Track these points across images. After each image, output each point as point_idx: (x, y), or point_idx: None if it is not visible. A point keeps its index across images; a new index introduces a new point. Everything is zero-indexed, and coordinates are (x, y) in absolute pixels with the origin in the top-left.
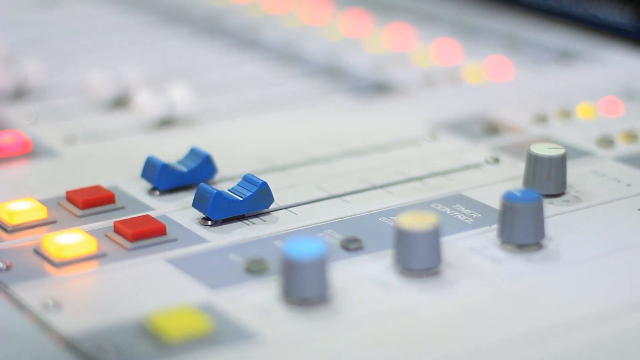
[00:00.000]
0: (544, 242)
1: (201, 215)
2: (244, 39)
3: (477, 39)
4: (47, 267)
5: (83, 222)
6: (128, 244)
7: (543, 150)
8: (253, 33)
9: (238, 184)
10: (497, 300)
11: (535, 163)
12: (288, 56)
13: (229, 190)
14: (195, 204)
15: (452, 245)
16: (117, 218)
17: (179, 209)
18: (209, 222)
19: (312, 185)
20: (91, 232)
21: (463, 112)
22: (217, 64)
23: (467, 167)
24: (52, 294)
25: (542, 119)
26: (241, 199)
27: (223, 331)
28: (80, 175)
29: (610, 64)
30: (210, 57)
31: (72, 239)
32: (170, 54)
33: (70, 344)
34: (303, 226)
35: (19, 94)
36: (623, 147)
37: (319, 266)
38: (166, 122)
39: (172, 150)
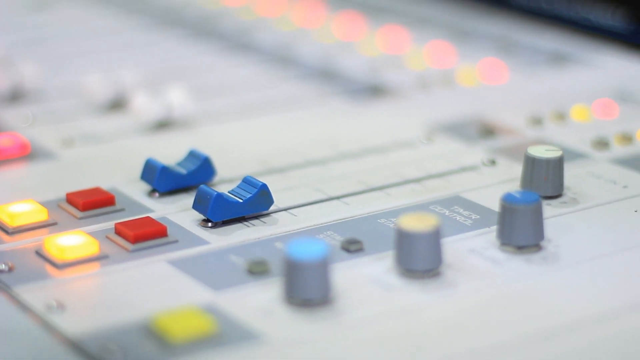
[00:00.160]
0: (543, 243)
1: (201, 217)
2: (237, 42)
3: (470, 41)
4: (49, 268)
5: (83, 224)
6: (129, 246)
7: (540, 152)
8: (246, 36)
9: (238, 186)
10: (498, 301)
11: (533, 165)
12: (282, 59)
13: (229, 192)
14: (195, 206)
15: (452, 247)
16: (117, 220)
17: (178, 211)
18: (209, 224)
19: (311, 187)
20: (92, 234)
21: (458, 115)
22: (211, 66)
23: (463, 169)
24: (56, 295)
25: (537, 121)
26: (241, 200)
27: (227, 332)
28: (79, 178)
29: (602, 67)
30: (205, 60)
31: (74, 241)
32: (165, 57)
33: (76, 345)
34: (303, 228)
35: (15, 96)
36: (618, 149)
37: (322, 267)
38: (163, 125)
39: (169, 152)
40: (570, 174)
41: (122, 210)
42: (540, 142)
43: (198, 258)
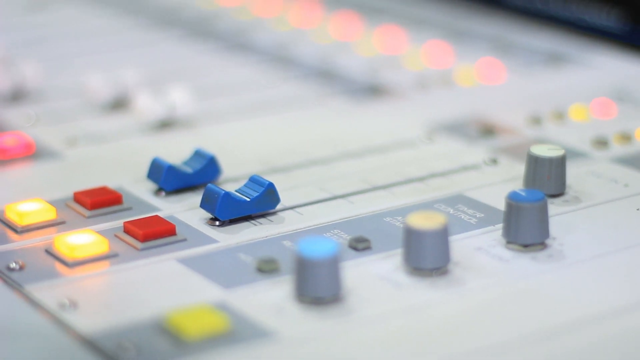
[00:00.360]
0: (548, 241)
1: (208, 215)
2: (235, 42)
3: (466, 42)
4: (60, 267)
5: (91, 222)
6: (139, 244)
7: (543, 151)
8: (244, 36)
9: (245, 185)
10: (506, 298)
11: (535, 164)
12: (281, 59)
13: (235, 191)
14: (203, 205)
15: (459, 245)
16: (124, 219)
17: (185, 210)
18: (217, 223)
19: (315, 186)
20: (100, 233)
21: (457, 114)
22: (210, 66)
23: (465, 168)
24: (67, 293)
25: (536, 120)
26: (248, 199)
27: (239, 330)
28: (84, 177)
29: (598, 67)
30: (203, 60)
31: (84, 239)
32: (163, 57)
33: (90, 343)
34: (309, 226)
35: (16, 96)
36: (618, 148)
37: (333, 265)
38: (165, 124)
39: (172, 151)
40: (571, 173)
41: (129, 209)
42: (540, 141)
43: (207, 256)
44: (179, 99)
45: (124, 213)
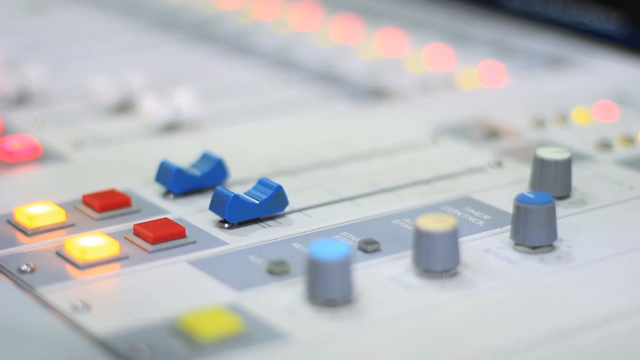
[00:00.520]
0: (556, 243)
1: (217, 218)
2: (236, 45)
3: (467, 45)
4: (71, 269)
5: (101, 225)
6: (149, 247)
7: (549, 154)
8: (244, 39)
9: (253, 188)
10: (515, 300)
11: (542, 166)
12: (283, 62)
13: (244, 193)
14: (212, 207)
15: (467, 247)
16: (134, 221)
17: (194, 212)
18: (226, 225)
19: (322, 188)
20: (110, 235)
21: (461, 117)
22: (212, 69)
23: (471, 171)
24: (80, 295)
25: (539, 123)
26: (257, 202)
27: (252, 331)
28: (92, 179)
29: (599, 70)
30: (205, 63)
31: (95, 242)
32: (166, 60)
33: (104, 344)
34: (318, 228)
35: (21, 99)
36: (621, 151)
37: (344, 267)
38: (171, 127)
39: (179, 154)
40: (577, 175)
41: (138, 211)
42: (544, 144)
43: (217, 258)
44: (185, 101)
45: (133, 216)
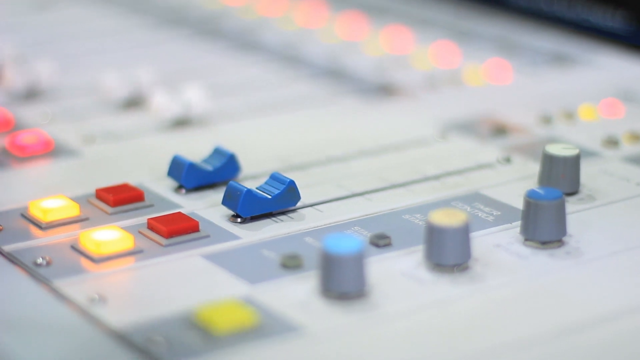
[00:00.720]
0: (565, 239)
1: (229, 212)
2: (243, 42)
3: (472, 42)
4: (86, 262)
5: (114, 219)
6: (163, 241)
7: (558, 150)
8: (251, 35)
9: (266, 182)
10: (526, 294)
11: (551, 163)
12: (290, 58)
13: (257, 188)
14: (225, 202)
15: (478, 242)
16: (147, 215)
17: (207, 207)
18: (239, 219)
19: (333, 183)
20: (124, 229)
21: (468, 114)
22: (220, 65)
23: (480, 167)
24: (96, 288)
25: (546, 120)
26: (270, 197)
27: (267, 324)
28: (104, 174)
29: (604, 67)
30: (213, 58)
31: (110, 236)
32: (174, 56)
33: (121, 336)
34: (330, 223)
35: (30, 94)
36: (628, 148)
37: (358, 261)
38: (181, 122)
39: (189, 149)
40: (584, 171)
41: (151, 206)
42: (551, 140)
43: (231, 252)
44: (194, 97)
45: (146, 210)
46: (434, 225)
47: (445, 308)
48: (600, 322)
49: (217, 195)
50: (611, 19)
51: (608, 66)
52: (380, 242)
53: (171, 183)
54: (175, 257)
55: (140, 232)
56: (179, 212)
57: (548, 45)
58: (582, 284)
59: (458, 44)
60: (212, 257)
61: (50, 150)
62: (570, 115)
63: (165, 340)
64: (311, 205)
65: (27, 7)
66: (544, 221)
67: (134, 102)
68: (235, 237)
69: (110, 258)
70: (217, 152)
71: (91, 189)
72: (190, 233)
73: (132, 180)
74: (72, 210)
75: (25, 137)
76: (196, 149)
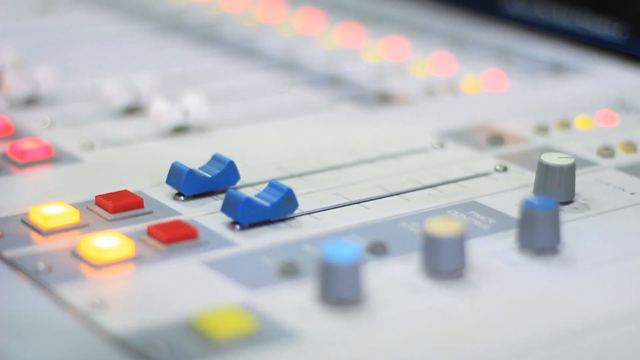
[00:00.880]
0: (560, 247)
1: (228, 219)
2: (240, 48)
3: (470, 51)
4: (87, 268)
5: (114, 225)
6: (162, 247)
7: (554, 159)
8: (249, 42)
9: (264, 190)
10: (520, 301)
11: (546, 172)
12: (287, 65)
13: (255, 196)
14: (224, 209)
15: (473, 250)
16: (146, 222)
17: (205, 214)
18: (237, 227)
19: (330, 191)
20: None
21: (465, 122)
22: (219, 71)
23: (477, 175)
24: (97, 294)
25: (542, 129)
26: (268, 204)
27: (266, 331)
28: (103, 181)
29: (601, 77)
30: (212, 64)
31: (110, 242)
32: (173, 62)
33: (122, 342)
34: (327, 231)
35: (30, 100)
36: (623, 157)
37: (356, 269)
38: (180, 129)
39: (188, 156)
40: (580, 180)
41: (150, 212)
42: (548, 149)
43: (230, 259)
44: (193, 104)
45: (145, 217)
46: (430, 232)
47: (441, 315)
48: (594, 329)
49: (216, 202)
50: (608, 29)
51: (604, 75)
52: (377, 249)
53: (170, 190)
54: (174, 263)
55: (140, 239)
56: (178, 219)
57: (545, 54)
58: (576, 292)
59: (456, 53)
60: (211, 264)
61: (50, 156)
62: (565, 124)
63: (165, 346)
64: (309, 213)
65: (27, 12)
66: (538, 229)
67: (133, 109)
68: (234, 244)
69: (110, 264)
70: (216, 159)
71: (91, 195)
72: (189, 240)
73: (132, 187)
74: (73, 216)
75: (25, 143)
76: (194, 155)
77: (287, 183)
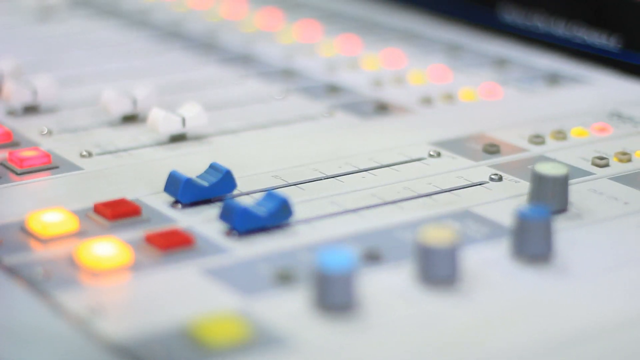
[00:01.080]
0: (553, 255)
1: (224, 227)
2: (238, 55)
3: (467, 60)
4: (85, 275)
5: (112, 233)
6: (160, 255)
7: (547, 169)
8: (247, 49)
9: (262, 199)
10: (513, 309)
11: (540, 182)
12: (286, 72)
13: (252, 204)
14: (222, 217)
15: (467, 258)
16: (144, 230)
17: (203, 222)
18: (234, 234)
19: (326, 200)
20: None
21: (460, 131)
22: (216, 79)
23: (472, 185)
24: (95, 301)
25: (537, 138)
26: (265, 213)
27: (261, 338)
28: (101, 189)
29: (597, 87)
30: (209, 72)
31: (108, 249)
32: (172, 70)
33: (120, 348)
34: (322, 239)
35: (29, 108)
36: (618, 167)
37: (350, 276)
38: (177, 138)
39: (185, 165)
40: (573, 189)
41: (148, 220)
42: (542, 158)
43: (226, 266)
44: (191, 112)
45: (143, 224)
46: (424, 241)
47: (435, 323)
48: (587, 337)
49: (213, 210)
50: (605, 40)
51: (600, 85)
52: (372, 257)
53: (167, 198)
54: (171, 270)
55: (137, 246)
56: (175, 228)
57: (542, 64)
58: (569, 300)
59: (453, 62)
60: (207, 271)
61: (49, 163)
62: (560, 133)
63: (162, 352)
64: (304, 221)
65: (27, 20)
66: (532, 238)
67: (131, 117)
68: (231, 252)
69: (108, 271)
70: (213, 168)
71: (89, 202)
72: (186, 247)
73: (130, 195)
74: (71, 223)
75: (24, 151)
76: (192, 163)
77: (284, 191)
